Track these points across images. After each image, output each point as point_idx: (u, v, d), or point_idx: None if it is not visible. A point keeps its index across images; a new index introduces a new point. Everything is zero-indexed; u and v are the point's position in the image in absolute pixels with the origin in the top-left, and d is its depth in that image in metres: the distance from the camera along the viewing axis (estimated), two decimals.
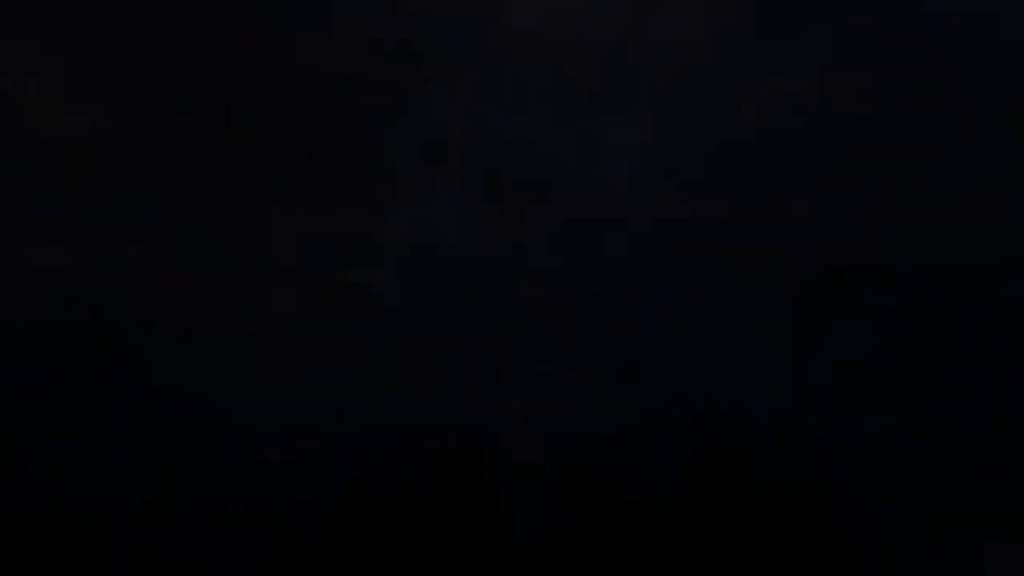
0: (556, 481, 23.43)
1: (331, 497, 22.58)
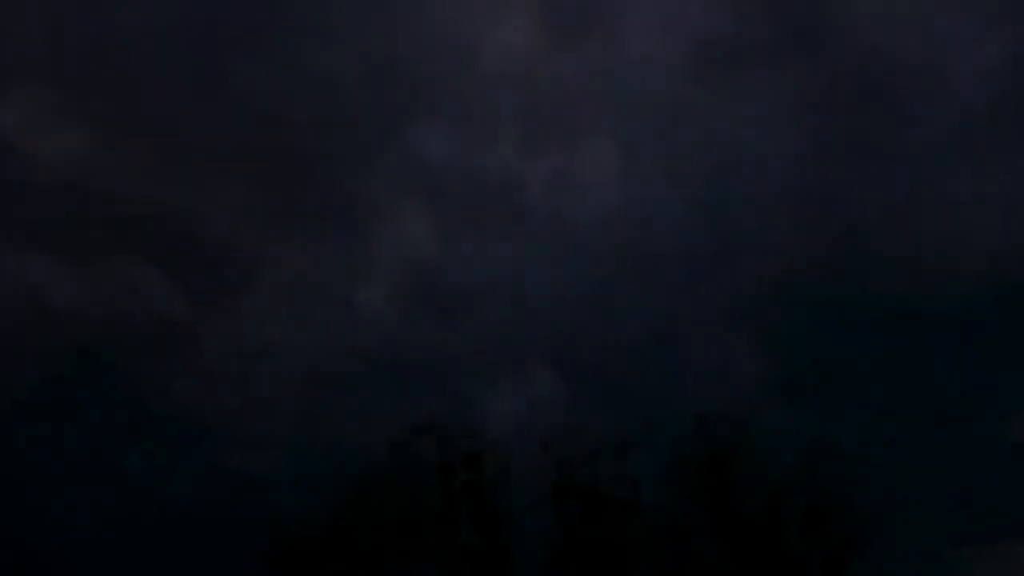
0: (552, 482, 24.33)
1: (328, 501, 23.61)
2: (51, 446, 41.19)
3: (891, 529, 30.32)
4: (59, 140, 48.73)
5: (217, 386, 42.79)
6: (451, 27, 51.79)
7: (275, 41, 52.12)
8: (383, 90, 51.61)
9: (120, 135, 49.28)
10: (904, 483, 28.57)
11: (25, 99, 48.89)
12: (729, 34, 52.42)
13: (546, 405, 30.65)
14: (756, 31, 52.22)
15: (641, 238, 46.86)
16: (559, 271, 45.45)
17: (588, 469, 32.16)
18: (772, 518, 32.08)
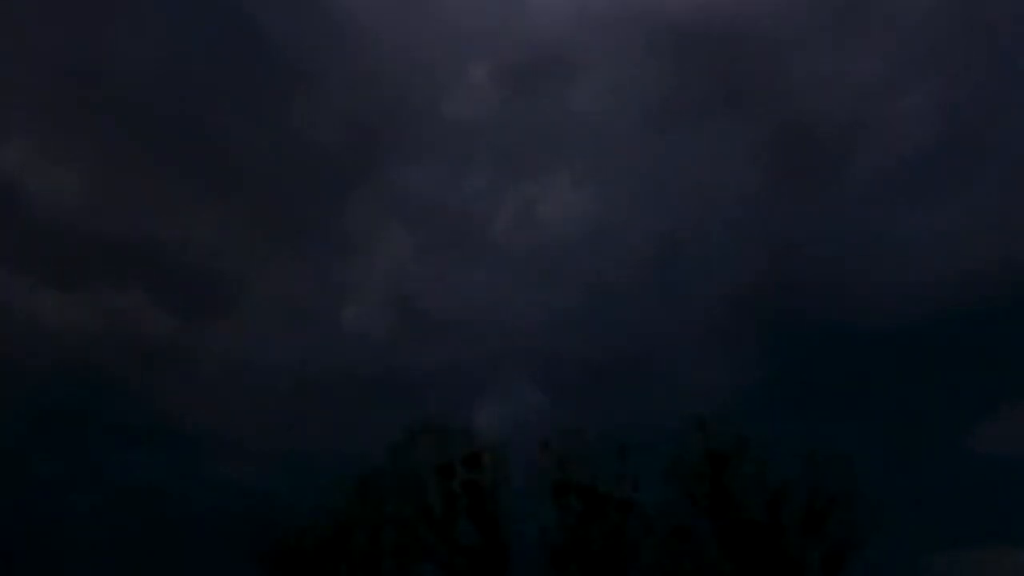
0: (552, 481, 24.87)
1: (324, 504, 24.23)
2: (52, 456, 42.23)
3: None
4: (55, 180, 51.67)
5: (206, 400, 44.16)
6: (425, 81, 55.77)
7: (264, 94, 55.38)
8: (364, 134, 54.98)
9: (111, 174, 52.20)
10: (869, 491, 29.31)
11: (23, 144, 53.47)
12: (677, 89, 57.14)
13: (525, 418, 31.33)
14: (703, 87, 56.42)
15: (607, 267, 49.79)
16: (533, 295, 48.35)
17: (588, 469, 32.22)
18: (772, 518, 32.09)
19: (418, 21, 57.16)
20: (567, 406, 31.12)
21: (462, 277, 53.78)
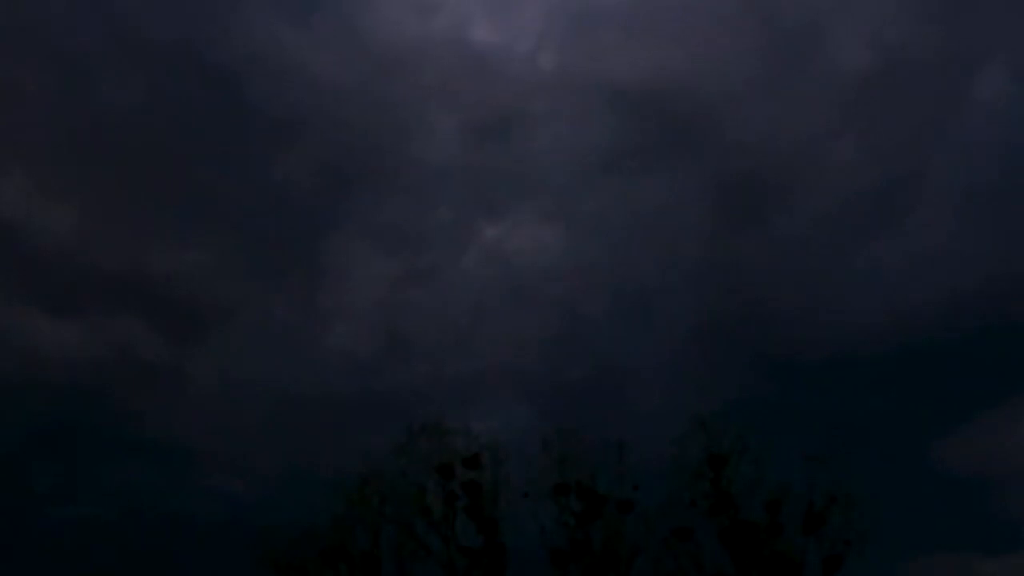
0: (552, 481, 25.43)
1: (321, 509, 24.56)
2: (50, 468, 43.34)
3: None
4: (53, 217, 56.39)
5: (195, 417, 46.28)
6: (397, 131, 61.46)
7: (246, 141, 59.59)
8: (340, 177, 58.94)
9: (105, 211, 58.13)
10: None
11: (23, 183, 56.50)
12: (629, 140, 60.83)
13: (511, 434, 32.17)
14: (652, 138, 60.66)
15: (575, 296, 53.58)
16: (508, 321, 51.96)
17: (587, 469, 32.28)
18: (772, 518, 32.13)
19: (389, 79, 63.04)
20: (551, 421, 31.97)
21: (438, 303, 57.61)
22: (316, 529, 32.01)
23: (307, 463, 38.56)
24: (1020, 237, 51.97)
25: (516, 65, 65.02)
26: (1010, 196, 54.21)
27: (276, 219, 60.95)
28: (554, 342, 52.24)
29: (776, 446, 32.62)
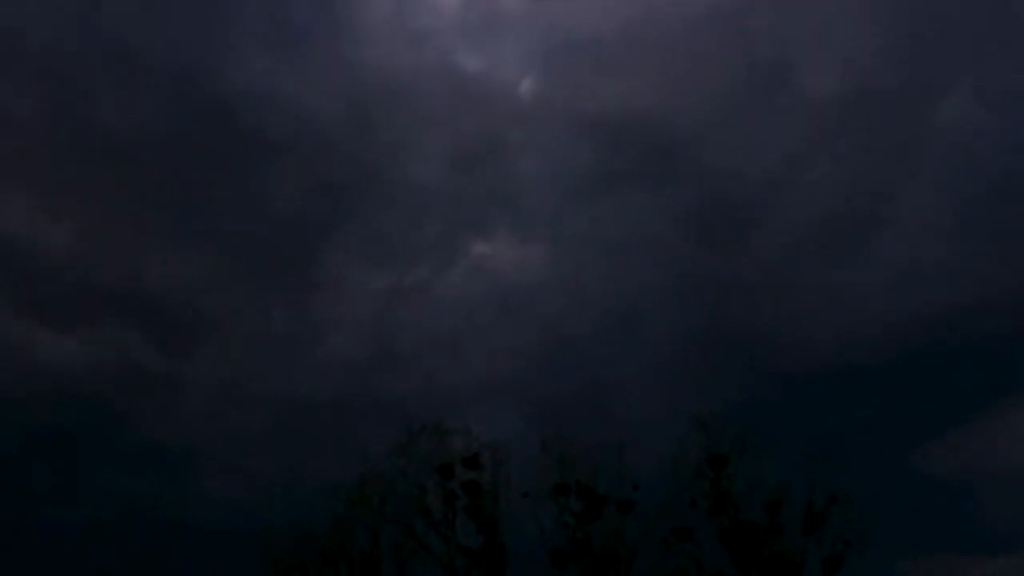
0: (552, 481, 25.75)
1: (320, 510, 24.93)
2: (49, 472, 44.03)
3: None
4: (53, 232, 59.04)
5: (191, 423, 47.67)
6: (387, 153, 64.91)
7: (242, 159, 62.17)
8: (333, 194, 64.23)
9: (102, 227, 61.21)
10: None
11: (24, 201, 58.87)
12: (608, 166, 64.09)
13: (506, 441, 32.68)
14: (631, 164, 63.74)
15: (560, 312, 58.73)
16: (498, 334, 54.67)
17: (587, 469, 32.30)
18: (772, 518, 32.12)
19: (380, 105, 66.27)
20: (545, 427, 32.54)
21: (428, 316, 59.54)
22: (316, 529, 32.02)
23: (303, 467, 39.05)
24: (987, 255, 54.44)
25: (500, 93, 69.27)
26: (976, 215, 56.90)
27: (271, 234, 63.67)
28: (542, 356, 54.55)
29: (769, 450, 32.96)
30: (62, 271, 58.14)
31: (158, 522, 39.38)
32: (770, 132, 61.09)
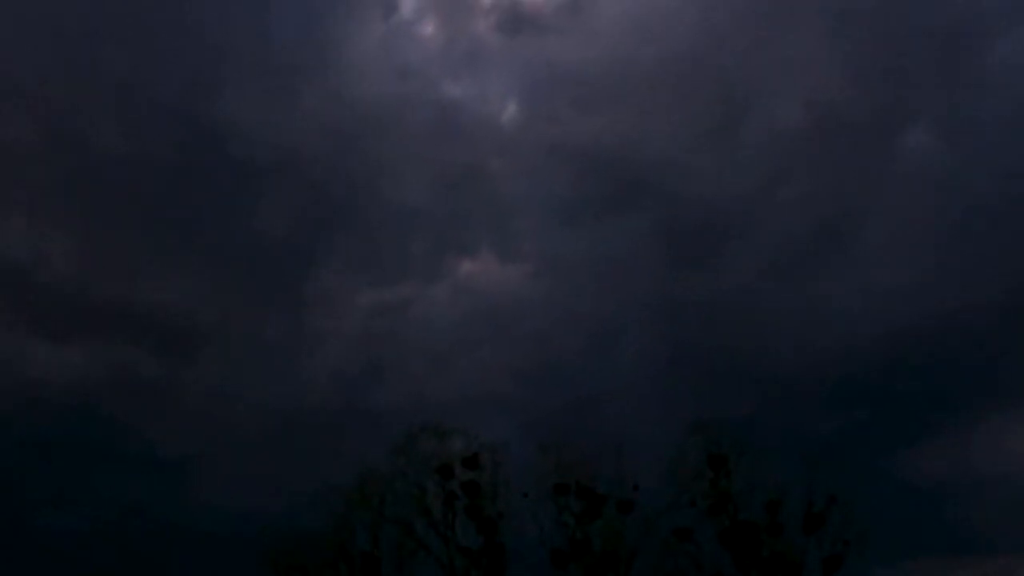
0: (552, 482, 26.18)
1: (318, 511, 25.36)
2: (49, 479, 44.63)
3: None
4: (52, 250, 60.84)
5: (187, 431, 48.95)
6: (372, 180, 67.55)
7: (235, 181, 65.77)
8: (321, 216, 66.56)
9: (100, 245, 62.62)
10: None
11: (24, 220, 61.11)
12: (584, 192, 66.96)
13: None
14: (606, 191, 66.66)
15: (545, 329, 59.80)
16: (487, 350, 56.87)
17: (587, 469, 32.31)
18: (771, 519, 32.13)
19: (369, 132, 69.19)
20: (538, 437, 33.17)
21: (417, 330, 60.70)
22: (316, 530, 32.00)
23: (297, 473, 39.65)
24: (949, 273, 57.26)
25: (483, 123, 72.38)
26: (936, 238, 60.25)
27: (264, 253, 65.58)
28: (529, 370, 55.84)
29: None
30: (62, 287, 60.25)
31: (154, 528, 39.80)
32: (740, 161, 64.81)
